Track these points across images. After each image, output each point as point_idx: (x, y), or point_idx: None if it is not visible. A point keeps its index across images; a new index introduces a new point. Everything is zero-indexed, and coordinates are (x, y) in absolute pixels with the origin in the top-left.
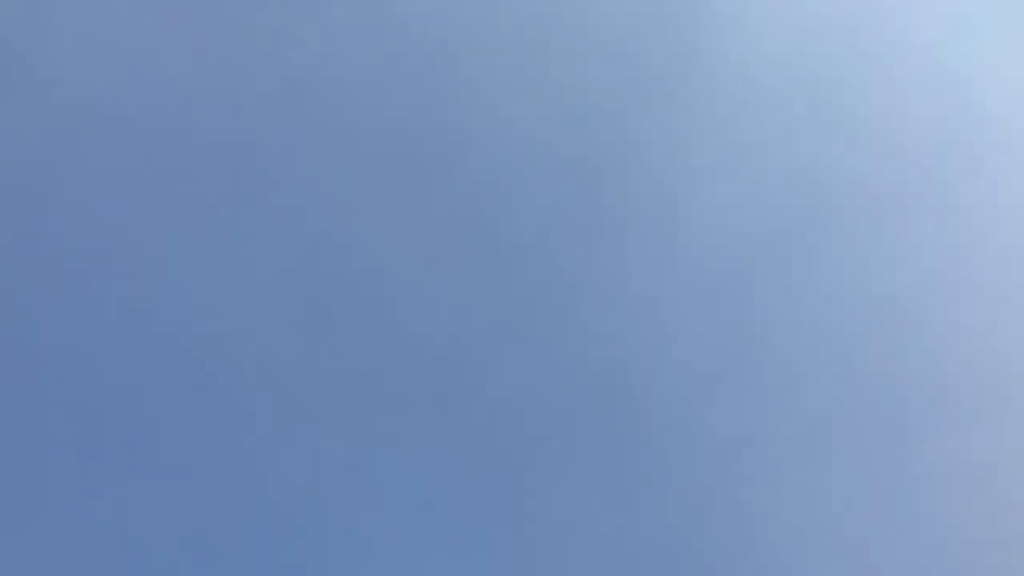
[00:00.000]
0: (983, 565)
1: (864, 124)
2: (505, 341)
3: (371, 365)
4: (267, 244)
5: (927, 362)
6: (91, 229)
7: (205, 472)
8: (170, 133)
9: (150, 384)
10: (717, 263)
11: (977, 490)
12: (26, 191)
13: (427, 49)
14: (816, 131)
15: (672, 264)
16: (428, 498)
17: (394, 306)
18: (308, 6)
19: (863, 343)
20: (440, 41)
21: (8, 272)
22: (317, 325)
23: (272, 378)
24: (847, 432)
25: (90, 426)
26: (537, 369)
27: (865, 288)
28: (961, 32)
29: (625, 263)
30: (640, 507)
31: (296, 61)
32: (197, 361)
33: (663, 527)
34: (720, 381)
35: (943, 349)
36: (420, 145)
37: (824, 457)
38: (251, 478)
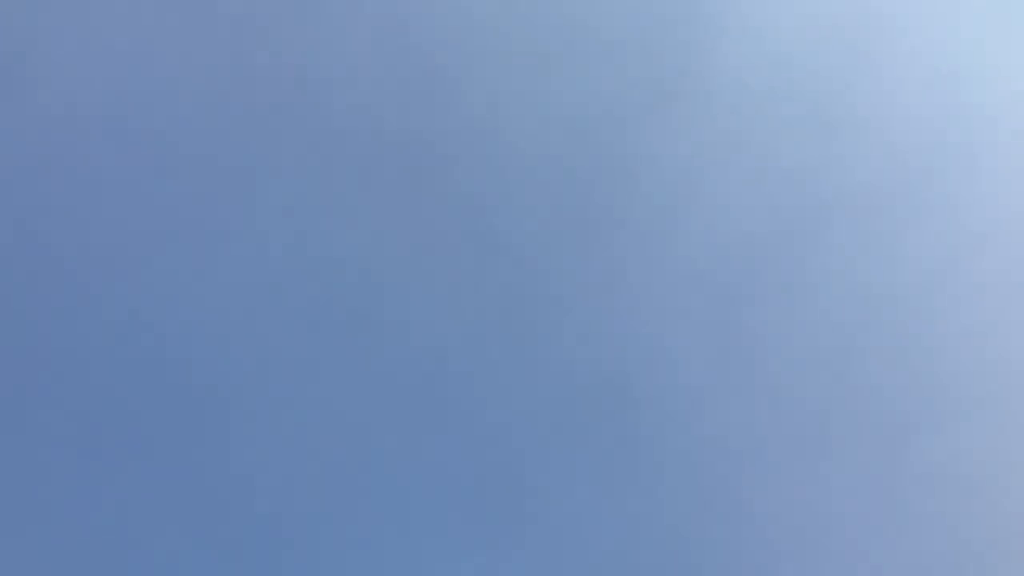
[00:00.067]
0: (982, 564)
1: (863, 125)
2: (504, 342)
3: (368, 366)
4: (264, 245)
5: (925, 362)
6: (86, 229)
7: (200, 472)
8: (166, 134)
9: (145, 384)
10: (716, 263)
11: (976, 490)
12: (24, 191)
13: (424, 51)
14: (815, 132)
15: (671, 264)
16: (427, 499)
17: (392, 307)
18: (305, 8)
19: (862, 343)
20: (438, 43)
21: (5, 272)
22: (313, 326)
23: (268, 378)
24: (845, 432)
25: (87, 426)
26: (536, 370)
27: (863, 288)
28: (960, 32)
29: (624, 264)
30: (639, 507)
31: (293, 62)
32: (192, 362)
33: (661, 527)
34: (719, 381)
35: (942, 349)
36: (418, 146)
37: (822, 457)
38: (247, 478)
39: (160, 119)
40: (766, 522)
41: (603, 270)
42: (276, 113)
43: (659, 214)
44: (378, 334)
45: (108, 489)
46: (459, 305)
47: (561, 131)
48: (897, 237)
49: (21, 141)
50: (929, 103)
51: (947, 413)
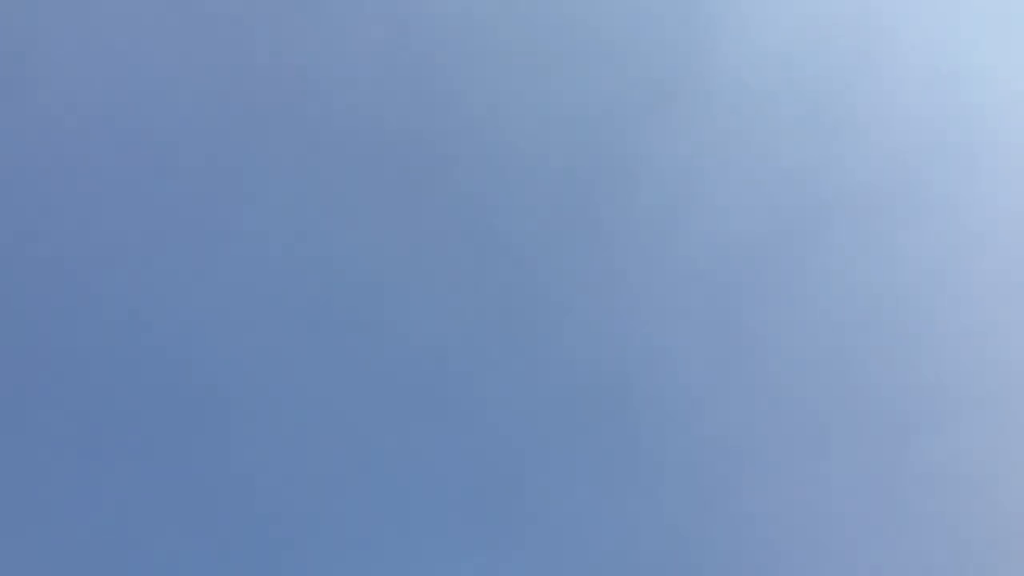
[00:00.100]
0: (982, 564)
1: (863, 125)
2: (503, 341)
3: (367, 365)
4: (263, 244)
5: (925, 362)
6: (85, 229)
7: (199, 472)
8: (165, 133)
9: (144, 384)
10: (716, 263)
11: (976, 490)
12: (23, 191)
13: (424, 50)
14: (815, 132)
15: (670, 264)
16: (426, 498)
17: (392, 307)
18: (305, 8)
19: (862, 343)
20: (437, 43)
21: (4, 272)
22: (313, 325)
23: (268, 378)
24: (845, 432)
25: (85, 426)
26: (535, 370)
27: (863, 288)
28: (960, 33)
29: (624, 263)
30: (639, 507)
31: (293, 62)
32: (191, 361)
33: (661, 527)
34: (719, 381)
35: (942, 349)
36: (417, 146)
37: (822, 457)
38: (246, 478)
39: (159, 119)
40: (766, 522)
41: (603, 270)
42: (276, 113)
43: (659, 214)
44: (378, 334)
45: (107, 489)
46: (459, 304)
47: (561, 131)
48: (897, 237)
49: (20, 141)
50: (929, 103)
51: (947, 413)
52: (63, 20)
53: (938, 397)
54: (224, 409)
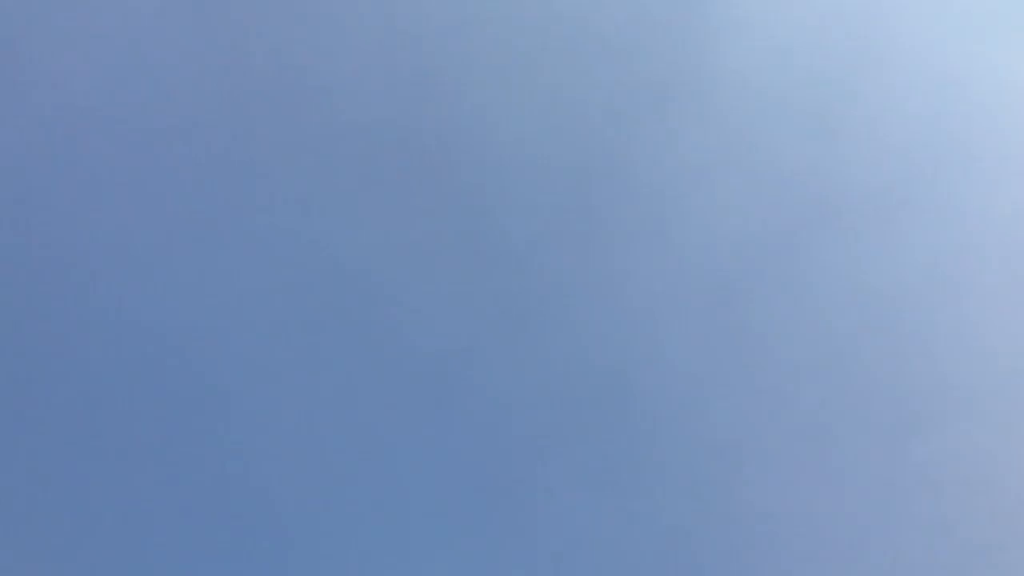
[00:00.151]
0: (980, 563)
1: (863, 125)
2: (503, 341)
3: (367, 365)
4: (262, 245)
5: (924, 362)
6: (85, 228)
7: (199, 471)
8: (165, 134)
9: (144, 383)
10: (716, 263)
11: (976, 490)
12: (23, 190)
13: (424, 51)
14: (815, 132)
15: (669, 265)
16: (425, 499)
17: (392, 306)
18: (305, 8)
19: (861, 343)
20: (437, 43)
21: (4, 271)
22: (312, 325)
23: (268, 377)
24: (845, 432)
25: (86, 426)
26: (533, 371)
27: (863, 288)
28: (959, 33)
29: (622, 264)
30: (638, 506)
31: (293, 62)
32: (192, 360)
33: (661, 526)
34: (719, 381)
35: (940, 349)
36: (416, 147)
37: (822, 456)
38: (247, 477)
39: (158, 119)
40: (766, 521)
41: (603, 269)
42: (276, 113)
43: (659, 214)
44: (377, 333)
45: (107, 488)
46: (459, 304)
47: (561, 131)
48: (897, 237)
49: (20, 141)
50: (929, 103)
51: (947, 413)
52: (63, 20)
53: (938, 397)
54: (224, 407)
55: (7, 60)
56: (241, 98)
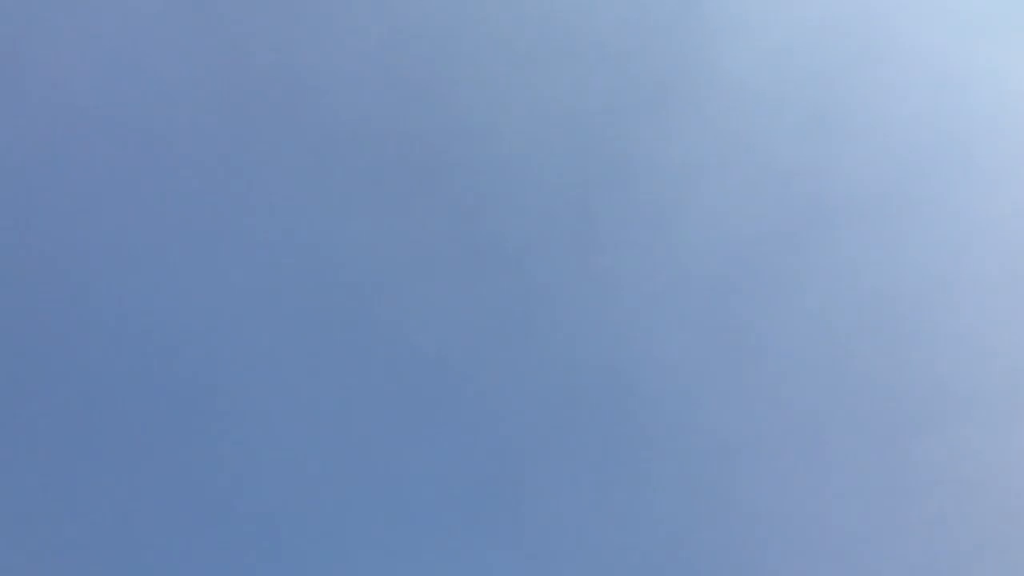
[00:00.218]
0: (979, 563)
1: (862, 125)
2: (501, 341)
3: (365, 365)
4: (260, 246)
5: (922, 362)
6: (84, 228)
7: (197, 471)
8: (164, 134)
9: (142, 383)
10: (714, 264)
11: (976, 490)
12: (22, 190)
13: (422, 52)
14: (814, 132)
15: (667, 265)
16: (423, 500)
17: (390, 307)
18: (305, 8)
19: (861, 343)
20: (434, 44)
21: (3, 271)
22: (310, 325)
23: (266, 378)
24: (845, 432)
25: (84, 426)
26: (533, 369)
27: (863, 288)
28: (958, 33)
29: (620, 264)
30: (638, 507)
31: (293, 62)
32: (189, 361)
33: (660, 526)
34: (718, 381)
35: (938, 349)
36: (414, 147)
37: (822, 456)
38: (244, 477)
39: (158, 119)
40: (765, 522)
41: (601, 270)
42: (275, 113)
43: (657, 214)
44: (376, 334)
45: (106, 488)
46: (456, 304)
47: (559, 131)
48: (897, 237)
49: (20, 141)
50: (929, 103)
51: (946, 413)
52: (63, 20)
53: (938, 397)
54: (221, 407)
55: (7, 60)
56: (240, 98)
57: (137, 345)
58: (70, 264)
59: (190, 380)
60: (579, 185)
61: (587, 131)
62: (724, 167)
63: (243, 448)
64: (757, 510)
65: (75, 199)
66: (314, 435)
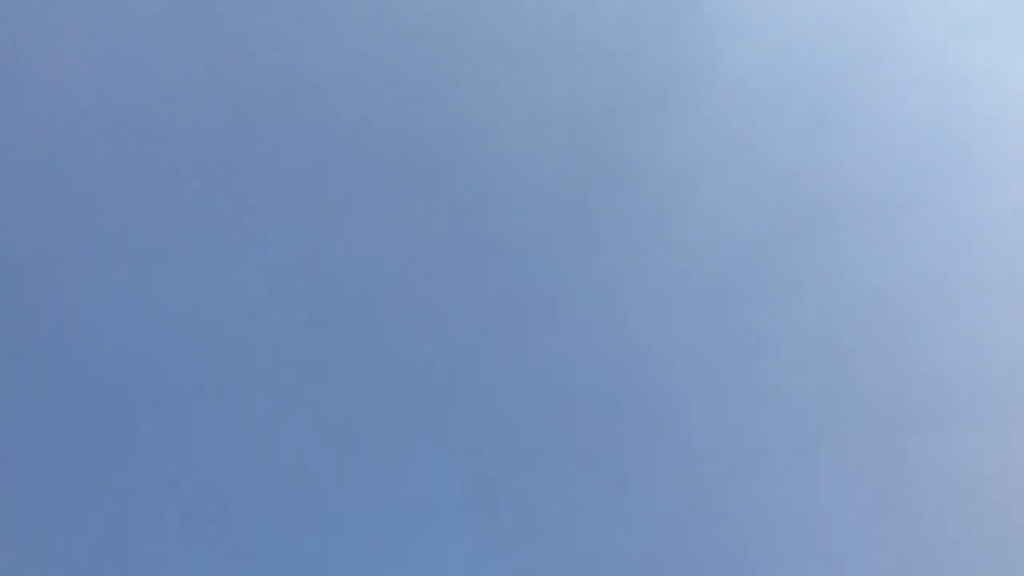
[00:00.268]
0: (979, 563)
1: (860, 126)
2: (499, 342)
3: (364, 366)
4: (260, 246)
5: (922, 362)
6: (84, 228)
7: (195, 472)
8: (164, 134)
9: (141, 384)
10: (714, 264)
11: (976, 490)
12: (22, 190)
13: (421, 52)
14: (814, 132)
15: (668, 265)
16: (421, 499)
17: (389, 308)
18: (304, 8)
19: (861, 343)
20: (434, 44)
21: (2, 271)
22: (309, 326)
23: (263, 378)
24: (845, 432)
25: (83, 426)
26: (531, 370)
27: (863, 288)
28: (958, 33)
29: (621, 264)
30: (637, 507)
31: (292, 63)
32: (188, 361)
33: (657, 528)
34: (717, 382)
35: (938, 349)
36: (414, 147)
37: (822, 457)
38: (241, 478)
39: (158, 119)
40: (765, 521)
41: (600, 270)
42: (275, 114)
43: (657, 214)
44: (375, 333)
45: (106, 488)
46: (456, 304)
47: (558, 131)
48: (897, 237)
49: (20, 141)
50: (928, 103)
51: (947, 413)
52: (63, 20)
53: (938, 397)
54: (219, 408)
55: (7, 60)
56: (240, 98)
57: (137, 344)
58: (70, 264)
59: (189, 379)
60: (579, 185)
61: (587, 131)
62: (724, 167)
63: (242, 447)
64: (757, 510)
65: (75, 199)
66: (314, 435)
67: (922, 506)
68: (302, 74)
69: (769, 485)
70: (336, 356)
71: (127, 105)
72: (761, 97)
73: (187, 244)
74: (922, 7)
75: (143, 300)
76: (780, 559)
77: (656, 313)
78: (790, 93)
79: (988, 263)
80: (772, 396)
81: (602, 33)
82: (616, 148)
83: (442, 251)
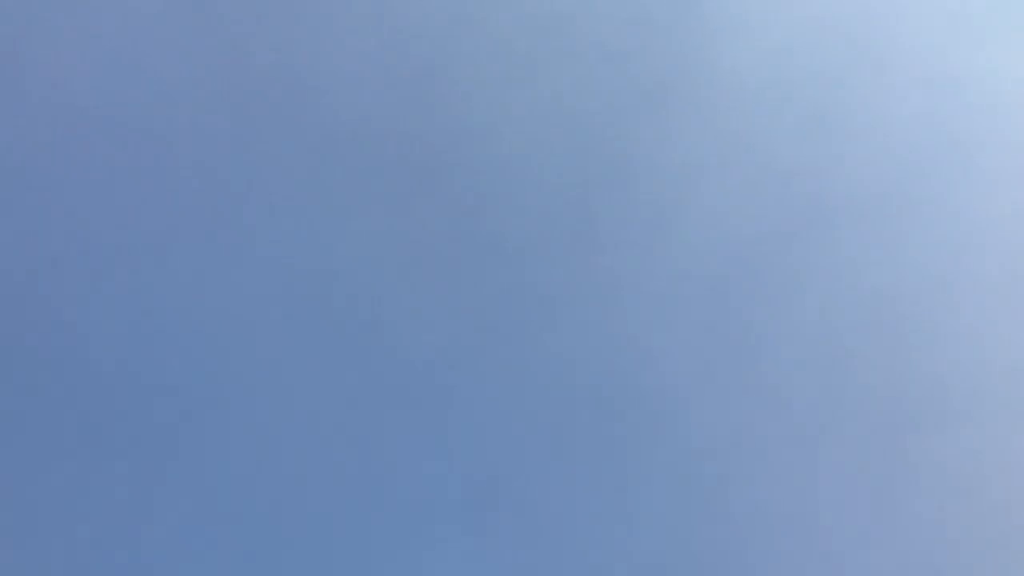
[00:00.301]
0: (979, 563)
1: (860, 126)
2: (499, 343)
3: (363, 367)
4: (260, 245)
5: (922, 362)
6: (83, 229)
7: (194, 475)
8: (164, 134)
9: (140, 386)
10: (714, 264)
11: (976, 490)
12: (21, 190)
13: (421, 53)
14: (814, 132)
15: (667, 265)
16: (421, 499)
17: (388, 308)
18: (304, 9)
19: (861, 343)
20: (434, 44)
21: (3, 272)
22: (310, 326)
23: (263, 379)
24: (845, 432)
25: (82, 427)
26: (531, 371)
27: (863, 288)
28: (958, 33)
29: (621, 265)
30: (636, 508)
31: (292, 63)
32: (188, 361)
33: (657, 528)
34: (717, 383)
35: (938, 349)
36: (414, 147)
37: (822, 458)
38: (241, 481)
39: (158, 119)
40: (764, 521)
41: (600, 271)
42: (275, 114)
43: (657, 214)
44: (375, 333)
45: (105, 488)
46: (456, 304)
47: (559, 131)
48: (897, 237)
49: (20, 140)
50: (928, 103)
51: (947, 413)
52: (63, 20)
53: (938, 397)
54: (219, 410)
55: (7, 60)
56: (240, 98)
57: (137, 344)
58: (70, 264)
59: (189, 379)
60: (579, 185)
61: (587, 131)
62: (724, 167)
63: (242, 447)
64: (757, 510)
65: (75, 199)
66: (314, 435)
67: (922, 506)
68: (302, 74)
69: (769, 485)
70: (336, 356)
71: (127, 105)
72: (761, 97)
73: (187, 244)
74: (922, 7)
75: (143, 300)
76: (780, 559)
77: (656, 313)
78: (790, 93)
79: (988, 263)
80: (772, 396)
81: (602, 33)
82: (616, 148)
83: (442, 251)
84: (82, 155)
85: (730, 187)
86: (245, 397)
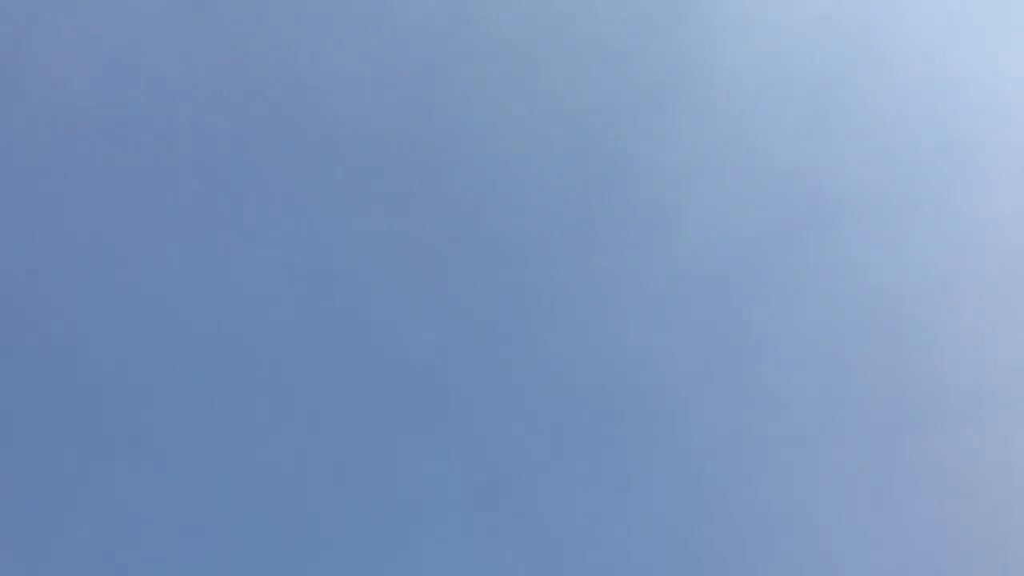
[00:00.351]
0: (979, 563)
1: (860, 126)
2: (499, 343)
3: (363, 367)
4: (260, 245)
5: (922, 362)
6: (83, 229)
7: (193, 473)
8: (164, 134)
9: (139, 385)
10: (714, 264)
11: (976, 490)
12: (21, 190)
13: (421, 53)
14: (814, 132)
15: (667, 265)
16: (421, 499)
17: (388, 308)
18: (304, 9)
19: (861, 343)
20: (434, 44)
21: (3, 272)
22: (310, 326)
23: (262, 378)
24: (845, 432)
25: (81, 427)
26: (531, 371)
27: (863, 288)
28: (958, 33)
29: (621, 265)
30: (636, 508)
31: (292, 63)
32: (188, 361)
33: (656, 528)
34: (717, 383)
35: (938, 349)
36: (414, 147)
37: (822, 458)
38: (240, 479)
39: (158, 119)
40: (764, 521)
41: (600, 271)
42: (275, 114)
43: (657, 214)
44: (375, 333)
45: (104, 489)
46: (456, 304)
47: (559, 131)
48: (897, 237)
49: (20, 140)
50: (928, 103)
51: (947, 413)
52: (63, 20)
53: (938, 397)
54: (218, 409)
55: (7, 60)
56: (240, 98)
57: (136, 343)
58: (70, 264)
59: (189, 378)
60: (579, 185)
61: (587, 131)
62: (724, 167)
63: (242, 446)
64: (756, 510)
65: (75, 199)
66: (314, 434)
67: (922, 506)
68: (302, 74)
69: (769, 485)
70: (336, 355)
71: (127, 105)
72: (761, 97)
73: (187, 244)
74: (922, 7)
75: (143, 299)
76: (780, 559)
77: (656, 313)
78: (790, 93)
79: (988, 263)
80: (772, 396)
81: (602, 33)
82: (616, 148)
83: (442, 251)
84: (82, 155)
85: (730, 187)
86: (245, 396)
